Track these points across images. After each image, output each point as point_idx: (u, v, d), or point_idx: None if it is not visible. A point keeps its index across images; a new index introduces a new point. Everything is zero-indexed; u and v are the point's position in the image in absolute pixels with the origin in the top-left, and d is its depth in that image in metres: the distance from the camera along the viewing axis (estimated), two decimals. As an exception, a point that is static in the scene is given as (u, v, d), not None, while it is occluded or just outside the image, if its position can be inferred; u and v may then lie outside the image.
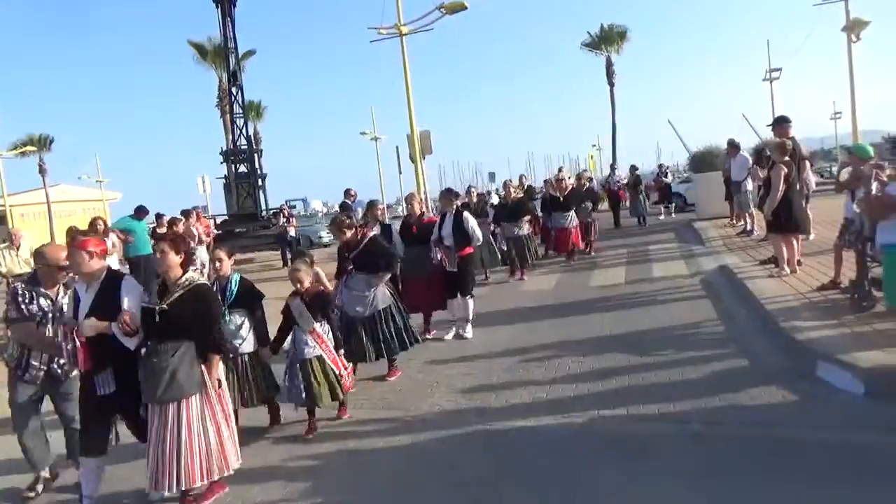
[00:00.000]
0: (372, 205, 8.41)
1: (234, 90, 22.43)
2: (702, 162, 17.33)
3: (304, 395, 5.04)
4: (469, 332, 7.69)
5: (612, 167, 24.02)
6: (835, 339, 5.47)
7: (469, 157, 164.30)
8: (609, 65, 42.58)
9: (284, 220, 17.91)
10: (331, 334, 5.21)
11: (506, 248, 11.64)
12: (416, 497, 3.94)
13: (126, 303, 3.92)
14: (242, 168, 21.48)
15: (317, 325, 5.16)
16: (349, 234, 6.29)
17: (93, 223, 10.96)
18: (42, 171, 39.82)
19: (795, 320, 6.13)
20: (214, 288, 4.98)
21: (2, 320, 5.11)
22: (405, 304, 7.59)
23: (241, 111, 22.32)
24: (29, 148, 37.27)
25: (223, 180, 21.77)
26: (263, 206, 21.53)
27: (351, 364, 5.43)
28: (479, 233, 7.80)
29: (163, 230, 11.45)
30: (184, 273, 4.08)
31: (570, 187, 13.19)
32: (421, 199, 8.35)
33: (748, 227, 12.42)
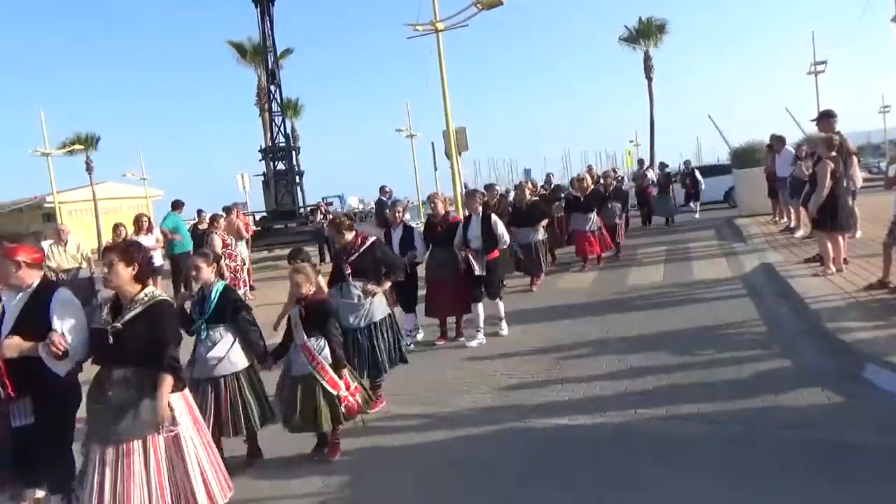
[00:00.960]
0: (393, 205, 8.10)
1: (272, 88, 22.74)
2: (743, 158, 16.94)
3: (283, 416, 4.56)
4: (505, 328, 7.64)
5: (640, 162, 22.66)
6: (882, 340, 5.31)
7: (504, 154, 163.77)
8: (647, 59, 41.96)
9: (321, 216, 18.10)
10: (327, 350, 4.56)
11: (520, 256, 10.26)
12: (452, 494, 3.96)
13: (56, 321, 3.39)
14: (280, 165, 21.77)
15: (310, 341, 4.56)
16: (349, 236, 5.79)
17: (137, 220, 11.30)
18: (89, 168, 41.03)
19: (841, 321, 5.97)
20: (196, 298, 4.63)
21: None
22: (430, 308, 7.65)
23: (279, 109, 22.65)
24: (76, 147, 38.40)
25: (261, 177, 22.10)
26: (301, 203, 21.81)
27: (356, 383, 4.74)
28: (507, 236, 7.63)
29: (204, 226, 11.68)
30: (142, 287, 3.50)
31: (591, 187, 12.24)
32: (445, 199, 7.96)
33: (791, 225, 12.11)
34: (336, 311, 4.96)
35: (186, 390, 3.65)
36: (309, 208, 21.60)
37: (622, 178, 19.79)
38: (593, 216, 11.75)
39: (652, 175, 19.19)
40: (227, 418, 4.37)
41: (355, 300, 5.56)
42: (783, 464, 3.80)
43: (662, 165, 20.37)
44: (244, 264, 11.88)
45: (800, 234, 11.51)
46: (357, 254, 5.67)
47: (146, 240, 10.97)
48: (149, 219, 11.91)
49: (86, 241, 11.23)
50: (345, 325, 5.27)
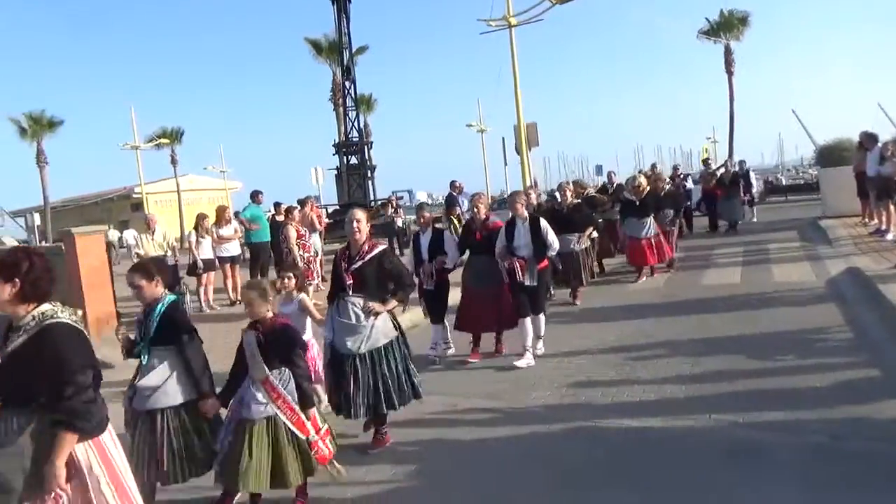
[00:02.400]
0: (420, 208, 7.44)
1: (347, 84, 23.24)
2: (830, 156, 16.11)
3: (220, 470, 3.80)
4: (541, 348, 6.80)
5: (706, 162, 20.72)
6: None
7: (575, 149, 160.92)
8: (728, 52, 40.39)
9: (393, 210, 18.36)
10: (292, 385, 3.84)
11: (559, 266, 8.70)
12: (522, 489, 3.96)
13: None
14: (353, 160, 22.24)
15: (272, 375, 3.81)
16: (361, 235, 4.78)
17: (220, 211, 11.77)
18: (173, 161, 43.12)
19: (937, 330, 5.61)
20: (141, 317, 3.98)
21: None
22: (464, 320, 6.92)
23: (353, 104, 23.12)
24: (163, 140, 40.37)
25: (335, 171, 22.64)
26: (372, 197, 22.21)
27: (326, 425, 4.00)
28: (556, 243, 6.84)
29: (280, 218, 12.06)
30: (35, 305, 2.67)
31: (647, 189, 10.90)
32: (487, 202, 7.13)
33: (882, 227, 11.44)
34: (302, 340, 4.14)
35: (107, 432, 2.76)
36: (380, 202, 21.97)
37: (684, 176, 17.97)
38: (650, 221, 10.57)
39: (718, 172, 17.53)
40: (165, 462, 3.73)
41: (353, 319, 4.64)
42: (867, 478, 3.62)
43: (741, 164, 18.73)
44: (317, 255, 12.22)
45: (890, 236, 10.88)
46: (362, 261, 4.72)
47: (226, 230, 11.48)
48: (229, 210, 12.39)
49: (170, 230, 11.79)
50: (340, 349, 4.65)
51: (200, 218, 11.38)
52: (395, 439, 4.84)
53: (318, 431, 3.87)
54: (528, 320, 6.55)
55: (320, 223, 13.57)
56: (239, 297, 11.01)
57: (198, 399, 3.85)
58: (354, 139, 22.61)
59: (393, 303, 4.82)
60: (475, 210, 6.98)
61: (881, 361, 5.45)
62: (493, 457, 4.46)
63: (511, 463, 4.32)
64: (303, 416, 3.81)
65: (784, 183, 34.59)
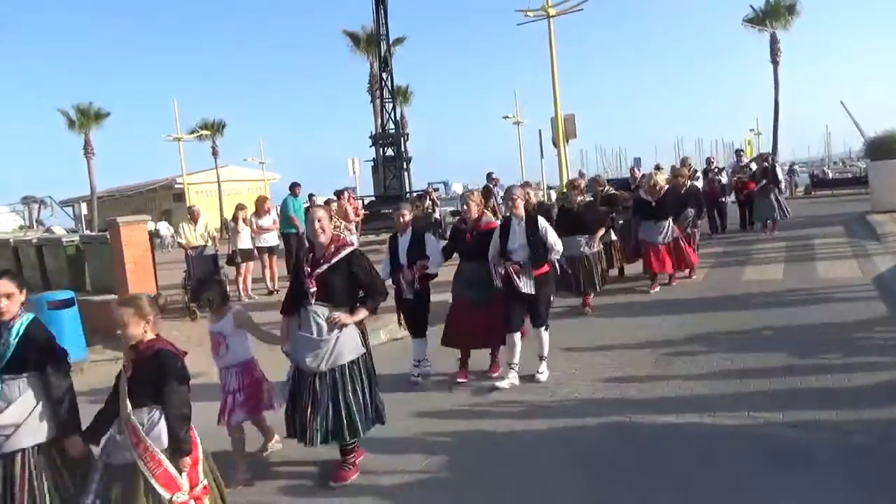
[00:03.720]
0: (397, 208, 6.45)
1: (384, 76, 23.31)
2: (880, 149, 15.58)
3: None
4: (545, 371, 5.87)
5: (738, 153, 18.08)
6: None
7: (613, 142, 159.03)
8: (774, 42, 39.25)
9: (430, 202, 18.39)
10: (161, 428, 3.15)
11: (569, 271, 8.02)
12: (554, 483, 3.94)
13: None
14: (390, 151, 22.33)
15: (137, 413, 3.15)
16: (325, 236, 4.18)
17: (261, 201, 11.97)
18: (214, 153, 43.94)
19: None
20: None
21: None
22: (453, 335, 6.04)
23: (389, 96, 23.18)
24: (204, 132, 41.16)
25: (371, 163, 22.77)
26: (408, 188, 22.29)
27: (206, 481, 3.33)
28: (559, 245, 5.89)
29: (317, 209, 12.16)
30: None
31: (664, 188, 9.58)
32: (480, 200, 6.18)
33: (935, 223, 11.03)
34: (182, 369, 3.28)
35: None
36: (416, 194, 22.03)
37: (719, 169, 15.86)
38: (667, 225, 9.33)
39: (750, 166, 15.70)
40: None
41: (315, 332, 4.07)
42: (916, 481, 3.50)
43: (762, 157, 16.42)
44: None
45: (945, 233, 10.48)
46: (327, 265, 4.13)
47: (265, 220, 11.66)
48: (269, 201, 12.58)
49: (210, 220, 12.05)
50: (300, 366, 4.13)
51: (239, 208, 11.60)
52: (428, 429, 4.86)
53: (192, 488, 3.19)
54: (517, 336, 5.75)
55: (356, 214, 13.67)
56: (276, 288, 11.21)
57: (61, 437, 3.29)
58: (391, 131, 22.69)
59: (362, 313, 4.21)
60: (465, 208, 6.08)
61: (931, 362, 5.27)
62: (526, 450, 4.44)
63: (544, 456, 4.30)
64: (171, 469, 3.11)
65: (831, 176, 33.55)
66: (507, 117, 37.00)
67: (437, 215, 18.32)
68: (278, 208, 12.47)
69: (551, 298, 6.09)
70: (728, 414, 4.62)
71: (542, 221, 5.86)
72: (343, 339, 4.11)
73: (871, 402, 4.56)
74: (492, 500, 3.84)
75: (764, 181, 14.14)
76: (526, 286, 5.65)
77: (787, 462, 3.87)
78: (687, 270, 9.92)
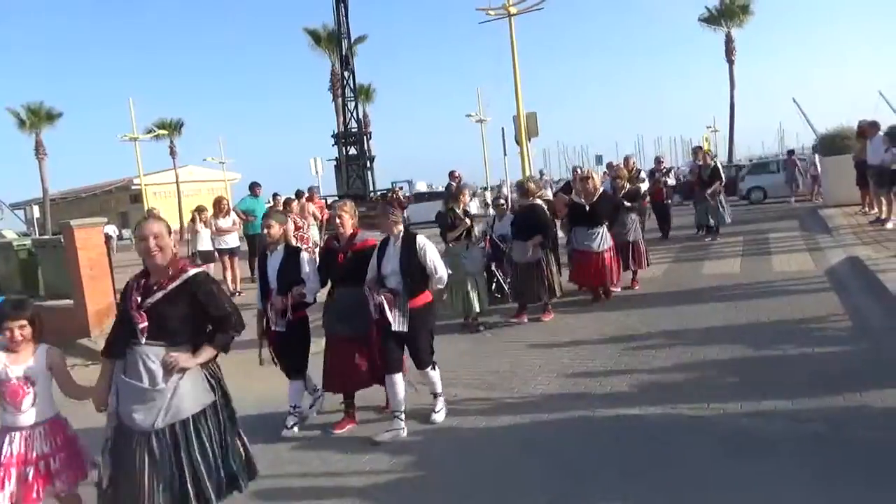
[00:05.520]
0: (266, 216, 5.48)
1: (345, 74, 23.22)
2: (831, 145, 16.08)
3: None
4: (441, 412, 4.99)
5: (696, 150, 14.97)
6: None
7: (576, 140, 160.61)
8: (729, 41, 40.28)
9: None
10: None
11: (513, 279, 7.84)
12: (517, 478, 3.96)
13: None
14: (352, 150, 22.26)
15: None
16: (161, 255, 3.34)
17: (218, 202, 11.76)
18: (172, 153, 43.08)
19: (937, 318, 5.61)
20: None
21: None
22: (329, 377, 5.01)
23: (351, 95, 23.10)
24: (161, 132, 40.29)
25: (334, 162, 22.65)
26: (371, 187, 22.23)
27: None
28: (442, 269, 4.94)
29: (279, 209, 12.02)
30: None
31: (599, 190, 8.52)
32: (353, 209, 5.20)
33: (882, 216, 11.42)
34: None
35: None
36: (380, 193, 21.96)
37: (667, 170, 14.31)
38: (601, 232, 8.25)
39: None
40: None
41: (146, 380, 3.22)
42: (869, 467, 3.61)
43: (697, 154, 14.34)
44: (316, 246, 12.22)
45: (890, 225, 10.88)
46: (163, 293, 3.29)
47: (224, 221, 11.47)
48: (227, 201, 12.39)
49: (169, 222, 11.80)
50: (127, 423, 3.23)
51: (199, 210, 11.39)
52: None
53: None
54: (397, 377, 4.76)
55: (322, 214, 13.55)
56: (239, 289, 11.04)
57: None
58: (353, 129, 22.62)
59: (208, 353, 3.37)
60: (338, 220, 5.07)
61: (882, 351, 5.45)
62: (493, 446, 4.46)
63: (510, 452, 4.32)
64: None
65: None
66: (469, 115, 37.05)
67: (405, 214, 18.25)
68: (244, 211, 12.29)
69: (432, 334, 5.03)
70: (689, 405, 4.71)
71: (420, 241, 4.88)
72: (184, 388, 3.26)
73: (825, 391, 4.69)
74: (452, 495, 3.83)
75: (715, 182, 12.95)
76: (396, 321, 4.69)
77: (746, 452, 3.95)
78: (632, 282, 9.12)
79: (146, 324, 3.23)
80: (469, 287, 7.50)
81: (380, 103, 58.61)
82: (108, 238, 11.61)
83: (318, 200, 15.05)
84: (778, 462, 3.79)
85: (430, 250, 4.88)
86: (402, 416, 4.76)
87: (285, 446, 4.81)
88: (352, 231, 5.07)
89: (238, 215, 12.14)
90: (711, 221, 13.13)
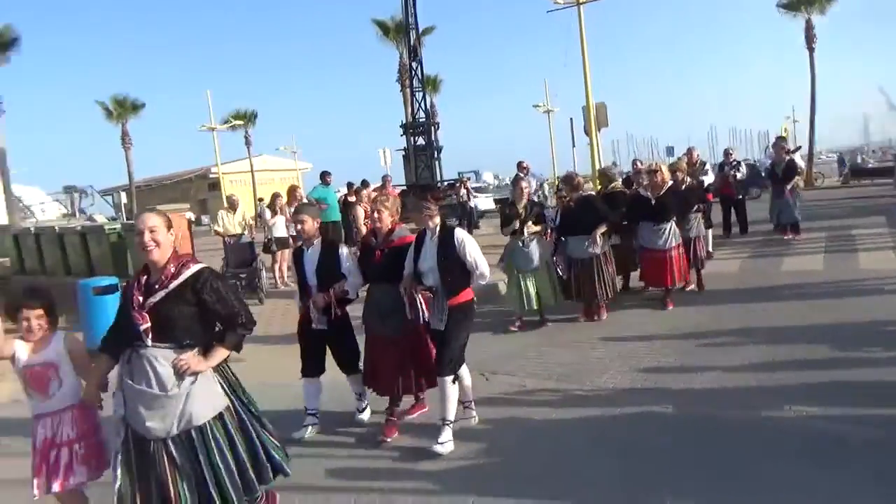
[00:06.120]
0: (297, 211, 5.28)
1: (413, 65, 23.40)
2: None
3: None
4: (447, 444, 4.37)
5: (779, 141, 13.69)
6: None
7: (645, 131, 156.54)
8: (809, 28, 38.25)
9: (464, 191, 18.40)
10: None
11: (569, 276, 7.55)
12: (589, 473, 3.96)
13: None
14: (420, 140, 22.45)
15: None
16: (161, 252, 3.16)
17: (292, 190, 12.15)
18: (248, 142, 44.53)
19: None
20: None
21: None
22: (370, 375, 4.86)
23: (419, 85, 23.27)
24: (237, 122, 41.68)
25: (402, 152, 22.91)
26: (439, 178, 22.38)
27: None
28: (484, 265, 4.58)
29: (352, 199, 12.33)
30: None
31: (668, 183, 7.96)
32: (394, 203, 4.95)
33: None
34: None
35: None
36: (447, 183, 22.08)
37: (736, 163, 13.08)
38: (669, 228, 7.78)
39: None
40: None
41: (155, 385, 3.06)
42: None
43: (780, 141, 13.39)
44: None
45: None
46: (165, 291, 3.10)
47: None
48: (300, 189, 12.78)
49: (246, 209, 12.29)
50: (141, 432, 3.08)
51: (275, 197, 11.79)
52: (461, 416, 4.86)
53: None
54: (447, 381, 4.45)
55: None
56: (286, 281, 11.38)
57: None
58: (421, 120, 22.81)
59: (220, 354, 3.21)
60: (376, 215, 4.83)
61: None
62: (559, 440, 4.46)
63: (579, 445, 4.32)
64: None
65: (870, 165, 32.59)
66: (537, 106, 36.72)
67: (471, 204, 18.33)
68: (315, 199, 12.64)
69: (466, 337, 4.63)
70: (766, 406, 4.59)
71: (459, 235, 4.59)
72: (197, 393, 3.09)
73: (914, 396, 4.48)
74: (522, 484, 3.84)
75: (792, 176, 12.06)
76: (434, 318, 4.49)
77: (823, 456, 3.83)
78: (697, 282, 8.54)
79: (149, 324, 3.05)
80: (523, 283, 7.27)
81: (447, 94, 58.67)
82: (189, 223, 12.18)
83: (392, 190, 15.28)
84: (857, 467, 3.66)
85: (470, 244, 4.57)
86: (449, 427, 4.43)
87: (346, 435, 4.86)
88: (390, 226, 4.83)
89: (311, 203, 12.47)
90: (783, 219, 12.24)
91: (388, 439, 4.67)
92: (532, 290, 7.28)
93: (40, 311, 3.35)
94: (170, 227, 3.22)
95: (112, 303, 7.97)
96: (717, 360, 5.72)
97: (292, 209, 11.70)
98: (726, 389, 5.01)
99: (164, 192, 42.80)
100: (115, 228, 11.34)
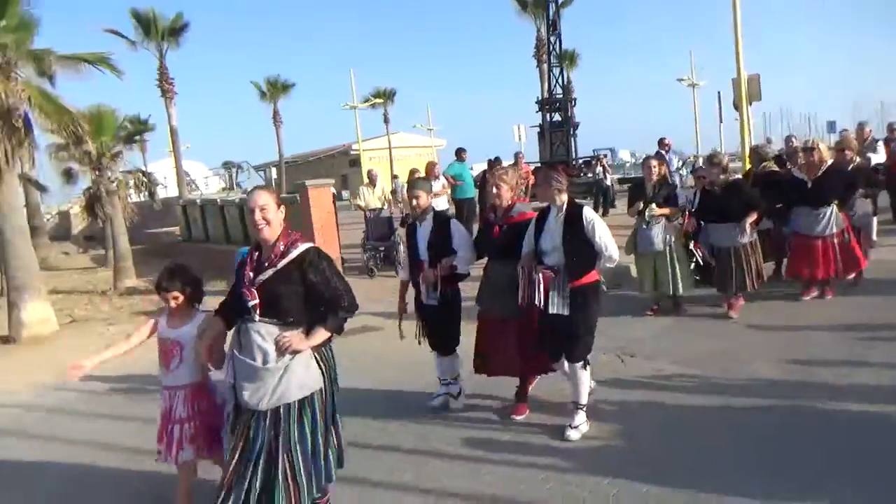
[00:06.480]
0: (412, 186, 5.03)
1: (552, 39, 22.96)
2: None
3: None
4: (580, 427, 4.33)
5: None
6: None
7: (801, 105, 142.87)
8: None
9: (601, 168, 17.96)
10: None
11: (713, 263, 7.02)
12: (724, 463, 3.79)
13: None
14: (556, 116, 22.08)
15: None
16: (270, 229, 3.17)
17: (431, 166, 12.46)
18: (386, 120, 46.17)
19: None
20: None
21: None
22: (481, 358, 4.78)
23: (556, 60, 22.82)
24: (377, 100, 43.24)
25: (537, 129, 22.68)
26: (574, 155, 21.96)
27: None
28: (613, 248, 4.26)
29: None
30: None
31: (826, 162, 7.05)
32: (517, 176, 4.81)
33: None
34: None
35: None
36: (583, 160, 21.63)
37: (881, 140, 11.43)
38: (831, 213, 6.97)
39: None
40: None
41: (258, 358, 3.13)
42: None
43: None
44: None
45: None
46: (273, 269, 3.14)
47: (435, 185, 12.12)
48: (438, 165, 13.06)
49: (385, 185, 12.79)
50: (240, 400, 3.19)
51: (413, 173, 12.14)
52: (597, 397, 4.82)
53: None
54: (576, 367, 4.33)
55: (526, 178, 13.74)
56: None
57: None
58: (558, 96, 22.41)
59: (321, 335, 3.17)
60: (495, 191, 4.66)
61: None
62: (697, 427, 4.29)
63: (719, 435, 4.14)
64: None
65: None
66: (681, 80, 34.82)
67: (607, 182, 17.85)
68: (452, 176, 12.88)
69: (594, 321, 4.38)
70: (941, 409, 4.15)
71: (588, 214, 4.29)
72: (293, 370, 3.12)
73: None
74: (652, 469, 3.74)
75: None
76: (554, 303, 4.21)
77: None
78: (853, 275, 7.38)
79: (257, 301, 3.10)
80: (647, 266, 7.01)
81: (584, 68, 57.09)
82: (333, 197, 12.87)
83: (526, 166, 15.23)
84: None
85: (599, 225, 4.27)
86: (581, 412, 4.37)
87: (468, 420, 4.77)
88: (509, 203, 4.67)
89: (447, 179, 12.73)
90: None
91: (518, 417, 4.66)
92: (662, 274, 6.99)
93: (176, 294, 3.51)
94: (280, 205, 3.22)
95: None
96: (874, 355, 5.24)
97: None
98: (882, 388, 4.58)
99: (310, 167, 45.35)
100: (268, 201, 12.22)
